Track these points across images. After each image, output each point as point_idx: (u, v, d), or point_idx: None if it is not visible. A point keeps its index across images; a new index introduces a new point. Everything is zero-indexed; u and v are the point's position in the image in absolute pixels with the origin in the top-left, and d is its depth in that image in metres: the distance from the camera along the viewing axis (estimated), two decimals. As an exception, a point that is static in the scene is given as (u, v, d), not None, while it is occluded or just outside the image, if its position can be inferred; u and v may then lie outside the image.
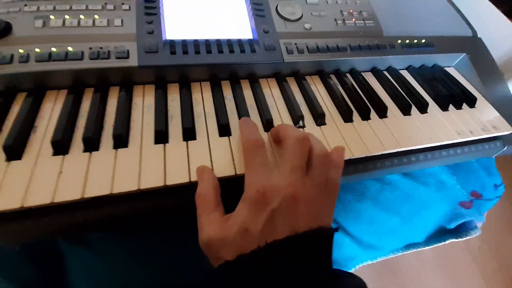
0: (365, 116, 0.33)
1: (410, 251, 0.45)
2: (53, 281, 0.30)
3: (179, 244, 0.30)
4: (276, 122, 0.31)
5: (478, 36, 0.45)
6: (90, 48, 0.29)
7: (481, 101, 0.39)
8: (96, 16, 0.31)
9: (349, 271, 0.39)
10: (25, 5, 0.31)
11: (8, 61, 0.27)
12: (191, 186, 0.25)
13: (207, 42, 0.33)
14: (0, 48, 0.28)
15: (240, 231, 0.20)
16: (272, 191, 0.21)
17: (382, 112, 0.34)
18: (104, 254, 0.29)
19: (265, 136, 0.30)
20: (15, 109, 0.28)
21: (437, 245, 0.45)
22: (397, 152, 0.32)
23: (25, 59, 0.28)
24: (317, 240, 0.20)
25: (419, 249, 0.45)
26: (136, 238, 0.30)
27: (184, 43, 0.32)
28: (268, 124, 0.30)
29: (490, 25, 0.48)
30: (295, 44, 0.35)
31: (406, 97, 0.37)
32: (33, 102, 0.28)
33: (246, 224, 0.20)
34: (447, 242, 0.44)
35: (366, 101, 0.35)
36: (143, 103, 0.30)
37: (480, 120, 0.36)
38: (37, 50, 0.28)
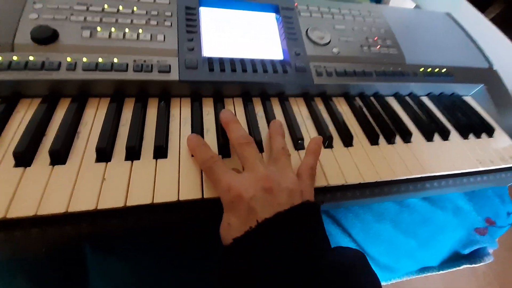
0: (391, 140, 0.35)
1: (423, 275, 0.45)
2: (75, 285, 0.30)
3: (205, 255, 0.31)
4: (306, 140, 0.32)
5: (494, 68, 0.47)
6: (134, 61, 0.31)
7: (498, 131, 0.40)
8: (140, 31, 0.33)
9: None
10: (72, 14, 0.32)
11: (56, 67, 0.29)
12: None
13: (242, 61, 0.34)
14: (48, 54, 0.29)
15: (223, 227, 0.22)
16: (242, 188, 0.22)
17: (406, 137, 0.35)
18: (128, 261, 0.30)
19: (294, 154, 0.31)
20: (58, 114, 0.29)
21: (450, 270, 0.45)
22: (421, 177, 0.33)
23: (73, 67, 0.29)
24: (302, 213, 0.22)
25: (432, 274, 0.45)
26: (161, 247, 0.31)
27: (221, 60, 0.33)
28: (299, 143, 0.31)
29: (503, 56, 0.50)
30: (324, 67, 0.37)
31: (428, 123, 0.38)
32: (77, 108, 0.29)
33: (228, 220, 0.22)
34: (462, 267, 0.44)
35: (391, 125, 0.36)
36: (180, 116, 0.31)
37: (499, 150, 0.38)
38: (85, 59, 0.30)
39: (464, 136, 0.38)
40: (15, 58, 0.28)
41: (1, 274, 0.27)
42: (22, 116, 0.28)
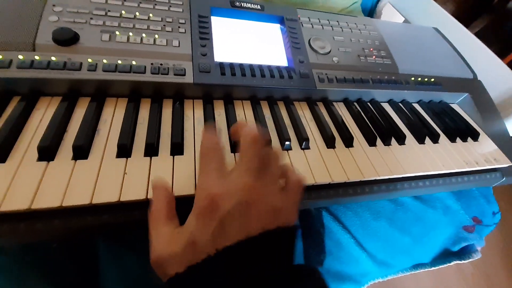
0: (387, 142, 0.38)
1: (417, 271, 0.48)
2: (87, 278, 0.30)
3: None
4: (310, 141, 0.35)
5: (478, 78, 0.51)
6: (152, 64, 0.32)
7: (483, 136, 0.44)
8: (156, 36, 0.35)
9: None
10: (91, 18, 0.34)
11: (78, 68, 0.30)
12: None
13: (251, 67, 0.37)
14: (69, 55, 0.31)
15: (188, 245, 0.19)
16: (222, 197, 0.19)
17: (401, 139, 0.38)
18: (140, 253, 0.30)
19: (300, 153, 0.33)
20: (78, 112, 0.30)
21: (442, 266, 0.48)
22: (414, 176, 0.36)
23: (93, 68, 0.31)
24: (272, 242, 0.19)
25: (425, 270, 0.48)
26: None
27: (231, 66, 0.36)
28: (305, 142, 0.34)
29: (486, 67, 0.54)
30: (326, 74, 0.40)
31: (420, 127, 0.41)
32: (96, 107, 0.30)
33: (194, 237, 0.19)
34: (452, 263, 0.47)
35: (387, 128, 0.39)
36: (194, 116, 0.33)
37: (483, 153, 0.41)
38: (105, 61, 0.31)
39: (452, 139, 0.42)
40: (37, 57, 0.30)
41: (13, 269, 0.28)
42: (42, 114, 0.29)
